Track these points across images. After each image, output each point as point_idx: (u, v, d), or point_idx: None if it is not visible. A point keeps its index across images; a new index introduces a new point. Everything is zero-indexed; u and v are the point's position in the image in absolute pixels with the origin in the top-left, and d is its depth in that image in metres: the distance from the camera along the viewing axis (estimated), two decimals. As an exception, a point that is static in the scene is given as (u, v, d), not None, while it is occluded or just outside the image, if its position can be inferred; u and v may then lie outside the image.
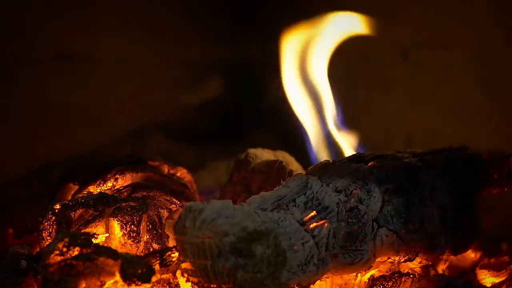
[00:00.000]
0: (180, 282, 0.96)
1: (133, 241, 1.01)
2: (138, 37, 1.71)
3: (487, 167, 1.05)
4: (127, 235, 1.01)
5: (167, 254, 0.89)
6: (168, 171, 1.20)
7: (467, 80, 1.50)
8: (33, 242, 1.13)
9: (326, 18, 1.28)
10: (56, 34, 1.55)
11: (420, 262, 1.00)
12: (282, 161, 1.12)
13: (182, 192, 1.16)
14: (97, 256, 0.85)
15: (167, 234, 1.05)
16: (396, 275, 0.99)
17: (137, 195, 1.09)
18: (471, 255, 1.12)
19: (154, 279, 0.87)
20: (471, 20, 1.47)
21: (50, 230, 1.02)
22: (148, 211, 1.04)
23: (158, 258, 0.88)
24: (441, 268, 1.12)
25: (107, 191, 1.09)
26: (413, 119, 1.60)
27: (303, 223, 0.88)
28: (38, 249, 1.06)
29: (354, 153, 1.06)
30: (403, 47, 1.60)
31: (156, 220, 1.05)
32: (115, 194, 1.09)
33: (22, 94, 1.52)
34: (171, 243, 1.02)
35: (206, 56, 1.86)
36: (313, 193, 0.92)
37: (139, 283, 0.85)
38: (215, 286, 0.84)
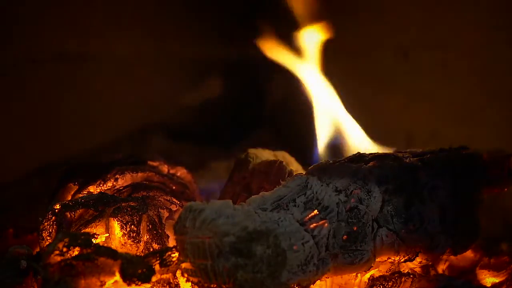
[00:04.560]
0: (180, 282, 0.96)
1: (133, 241, 1.01)
2: (138, 37, 1.71)
3: (487, 167, 1.05)
4: (127, 235, 1.01)
5: (167, 254, 0.89)
6: (168, 171, 1.20)
7: (467, 80, 1.50)
8: (33, 242, 1.13)
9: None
10: (56, 34, 1.55)
11: (420, 262, 1.00)
12: (282, 161, 1.12)
13: (182, 192, 1.16)
14: (97, 256, 0.85)
15: (167, 234, 1.05)
16: (396, 275, 0.99)
17: (137, 195, 1.09)
18: (471, 255, 1.12)
19: (154, 279, 0.87)
20: (470, 20, 1.47)
21: (50, 230, 1.02)
22: (148, 211, 1.04)
23: (158, 258, 0.88)
24: (441, 268, 1.12)
25: (107, 191, 1.09)
26: (413, 119, 1.60)
27: (303, 223, 0.88)
28: (38, 249, 1.06)
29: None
30: (403, 47, 1.59)
31: (156, 220, 1.05)
32: (115, 194, 1.09)
33: (22, 94, 1.52)
34: (171, 243, 1.02)
35: (206, 56, 1.86)
36: (313, 193, 0.92)
37: (139, 283, 0.85)
38: (215, 286, 0.84)
